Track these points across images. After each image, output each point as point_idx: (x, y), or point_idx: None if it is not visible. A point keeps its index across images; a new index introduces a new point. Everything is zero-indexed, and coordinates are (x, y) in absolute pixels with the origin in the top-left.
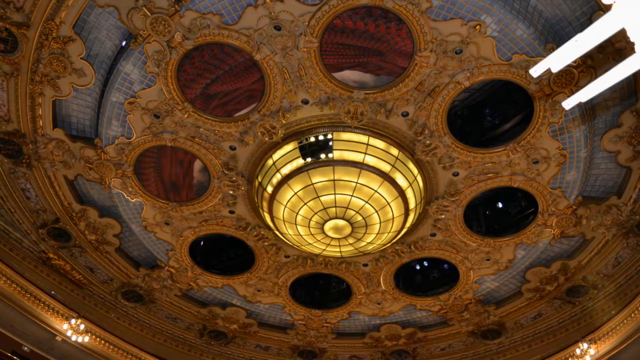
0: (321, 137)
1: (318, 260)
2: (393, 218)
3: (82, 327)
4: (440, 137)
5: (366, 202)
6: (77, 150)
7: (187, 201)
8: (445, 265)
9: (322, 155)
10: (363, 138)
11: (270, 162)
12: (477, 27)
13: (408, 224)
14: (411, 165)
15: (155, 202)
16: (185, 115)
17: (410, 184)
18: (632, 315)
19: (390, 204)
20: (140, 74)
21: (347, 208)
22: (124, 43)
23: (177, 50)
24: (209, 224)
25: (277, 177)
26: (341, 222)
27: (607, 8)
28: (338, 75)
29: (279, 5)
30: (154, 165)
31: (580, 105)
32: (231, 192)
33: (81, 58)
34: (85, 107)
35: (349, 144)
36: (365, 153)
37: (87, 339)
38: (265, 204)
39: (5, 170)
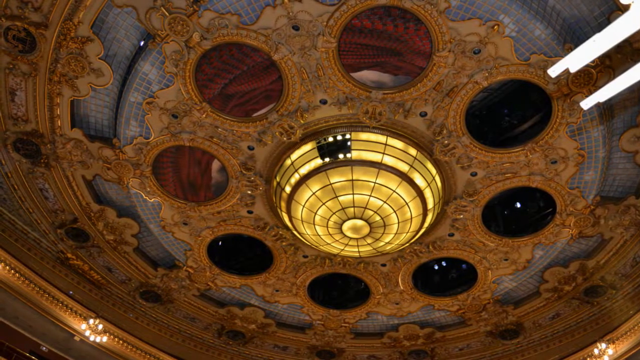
0: (339, 137)
1: (336, 260)
2: (411, 218)
3: (100, 327)
4: (458, 137)
5: (384, 202)
6: (95, 150)
7: (205, 201)
8: (464, 265)
9: (340, 155)
10: (381, 138)
11: (288, 162)
12: (495, 27)
13: (426, 224)
14: (429, 165)
15: (173, 202)
16: (204, 115)
17: (429, 184)
18: None
19: (409, 204)
20: (159, 74)
21: (365, 208)
22: (142, 43)
23: (195, 50)
24: (227, 224)
25: (296, 177)
26: (359, 222)
27: (625, 8)
28: (356, 75)
29: (297, 5)
30: (172, 166)
31: (598, 105)
32: (249, 192)
33: (99, 58)
34: (103, 107)
35: (367, 144)
36: (384, 153)
37: (105, 339)
38: (283, 204)
39: (24, 171)
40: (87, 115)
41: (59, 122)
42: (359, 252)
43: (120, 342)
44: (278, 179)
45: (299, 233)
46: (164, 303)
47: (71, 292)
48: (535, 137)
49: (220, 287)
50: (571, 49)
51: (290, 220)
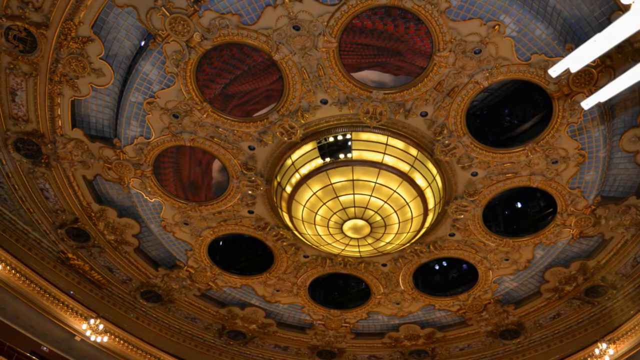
0: (340, 137)
1: (337, 260)
2: (412, 218)
3: (101, 327)
4: (459, 137)
5: (385, 202)
6: (96, 150)
7: (205, 201)
8: (464, 265)
9: (341, 155)
10: (382, 138)
11: (289, 162)
12: (496, 27)
13: (427, 224)
14: (430, 165)
15: (174, 202)
16: (204, 115)
17: (429, 184)
18: None
19: (409, 204)
20: (159, 74)
21: (366, 208)
22: (142, 43)
23: (196, 50)
24: (227, 224)
25: (296, 177)
26: (360, 222)
27: (626, 8)
28: (357, 75)
29: (298, 5)
30: (173, 166)
31: (599, 105)
32: (250, 192)
33: (100, 58)
34: (104, 107)
35: (368, 144)
36: (384, 153)
37: (105, 339)
38: (284, 204)
39: (24, 171)
40: (87, 115)
41: (59, 122)
42: (359, 252)
43: (121, 342)
44: (279, 179)
45: (300, 233)
46: (164, 303)
47: (72, 292)
48: (536, 137)
49: (221, 287)
50: (572, 49)
51: (291, 220)
